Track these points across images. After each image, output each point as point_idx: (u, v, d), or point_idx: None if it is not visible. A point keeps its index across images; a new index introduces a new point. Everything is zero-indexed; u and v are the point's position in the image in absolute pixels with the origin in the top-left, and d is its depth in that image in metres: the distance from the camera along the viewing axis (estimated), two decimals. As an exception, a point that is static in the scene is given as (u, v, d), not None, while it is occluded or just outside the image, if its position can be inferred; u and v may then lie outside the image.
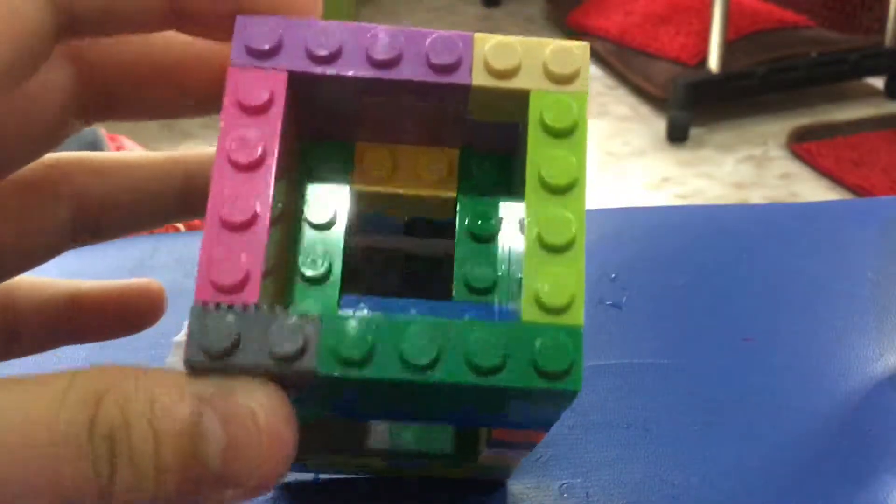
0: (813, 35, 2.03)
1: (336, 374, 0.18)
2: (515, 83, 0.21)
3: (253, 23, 0.21)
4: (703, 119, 1.93)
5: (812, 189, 1.72)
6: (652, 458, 0.33)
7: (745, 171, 1.79)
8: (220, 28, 0.21)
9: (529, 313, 0.19)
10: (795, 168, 1.79)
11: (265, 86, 0.21)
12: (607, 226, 0.47)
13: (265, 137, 0.20)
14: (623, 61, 2.07)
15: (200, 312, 0.18)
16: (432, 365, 0.19)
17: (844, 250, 0.45)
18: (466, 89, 0.21)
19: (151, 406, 0.18)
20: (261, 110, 0.20)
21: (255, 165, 0.20)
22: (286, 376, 0.18)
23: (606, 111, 2.02)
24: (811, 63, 1.93)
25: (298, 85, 0.21)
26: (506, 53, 0.21)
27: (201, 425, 0.18)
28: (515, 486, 0.32)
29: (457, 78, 0.21)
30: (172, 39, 0.23)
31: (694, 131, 1.90)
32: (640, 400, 0.36)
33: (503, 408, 0.21)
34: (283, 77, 0.21)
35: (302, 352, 0.18)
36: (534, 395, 0.19)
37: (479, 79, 0.21)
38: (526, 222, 0.20)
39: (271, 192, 0.20)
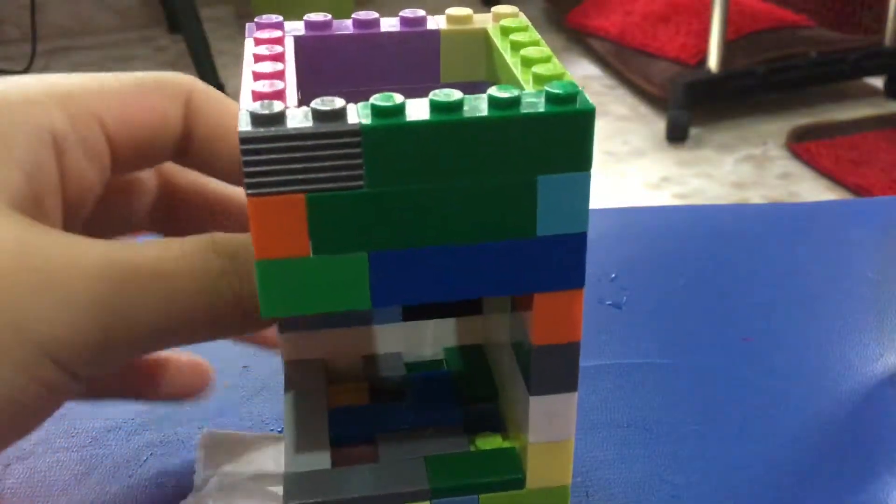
0: (813, 35, 2.03)
1: (376, 123, 0.21)
2: (474, 25, 0.28)
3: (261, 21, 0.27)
4: (703, 119, 1.93)
5: (812, 189, 1.72)
6: (652, 458, 0.33)
7: (744, 170, 1.79)
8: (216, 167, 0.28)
9: (531, 87, 0.23)
10: (795, 168, 1.79)
11: (278, 42, 0.25)
12: (607, 226, 0.47)
13: (282, 74, 0.24)
14: (622, 61, 2.07)
15: (249, 110, 0.21)
16: (458, 106, 0.21)
17: (844, 250, 0.45)
18: (436, 34, 0.28)
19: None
20: (276, 58, 0.24)
21: (278, 95, 0.23)
22: (332, 138, 0.21)
23: (606, 111, 2.02)
24: (811, 63, 1.93)
25: (300, 52, 0.26)
26: (461, 11, 0.28)
27: None
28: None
29: (425, 26, 0.28)
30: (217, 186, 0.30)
31: (693, 131, 1.90)
32: (640, 400, 0.36)
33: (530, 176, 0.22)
34: (291, 40, 0.26)
35: (343, 110, 0.21)
36: (550, 125, 0.22)
37: (445, 26, 0.28)
38: (513, 65, 0.25)
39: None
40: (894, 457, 0.33)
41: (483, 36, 0.28)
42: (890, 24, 1.99)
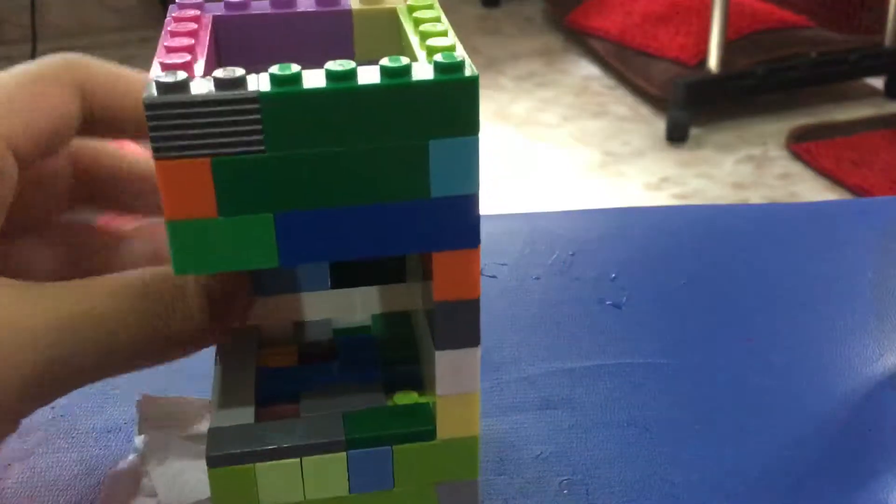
0: (813, 35, 2.03)
1: (273, 91, 0.22)
2: (384, 5, 0.29)
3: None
4: (703, 119, 1.93)
5: (812, 189, 1.72)
6: (652, 457, 0.33)
7: (744, 171, 1.79)
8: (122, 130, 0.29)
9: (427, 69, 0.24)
10: (795, 168, 1.79)
11: (195, 20, 0.26)
12: (607, 226, 0.47)
13: (195, 46, 0.24)
14: (623, 61, 2.07)
15: (155, 78, 0.22)
16: (352, 74, 0.23)
17: (844, 250, 0.45)
18: (349, 13, 0.29)
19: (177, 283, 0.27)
20: (189, 34, 0.25)
21: (188, 66, 0.24)
22: (232, 104, 0.22)
23: (606, 111, 2.02)
24: (811, 63, 1.93)
25: (220, 30, 0.27)
26: None
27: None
28: (516, 481, 0.32)
29: (340, 5, 0.28)
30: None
31: (693, 131, 1.90)
32: (640, 400, 0.36)
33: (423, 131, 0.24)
34: (210, 19, 0.27)
35: (243, 79, 0.22)
36: (438, 92, 0.23)
37: (357, 5, 0.29)
38: (413, 41, 0.26)
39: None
40: (894, 457, 0.33)
41: (394, 14, 0.29)
42: (890, 25, 1.99)
